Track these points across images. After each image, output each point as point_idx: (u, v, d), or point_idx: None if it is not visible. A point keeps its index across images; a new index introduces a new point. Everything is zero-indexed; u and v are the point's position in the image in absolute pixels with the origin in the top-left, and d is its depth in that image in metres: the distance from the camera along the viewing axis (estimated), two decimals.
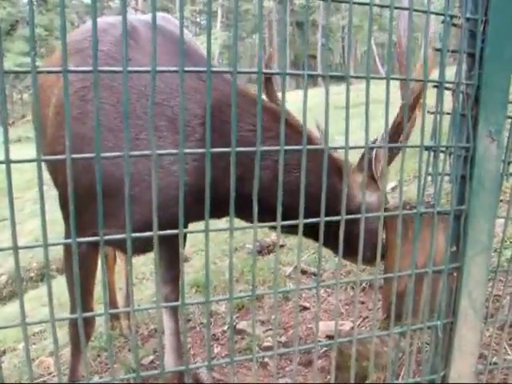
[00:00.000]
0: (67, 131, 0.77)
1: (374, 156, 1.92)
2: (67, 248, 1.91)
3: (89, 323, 2.05)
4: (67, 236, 1.93)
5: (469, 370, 1.17)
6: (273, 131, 1.69)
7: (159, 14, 2.30)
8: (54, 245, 0.77)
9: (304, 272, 3.45)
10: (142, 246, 1.62)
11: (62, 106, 1.75)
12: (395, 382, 1.13)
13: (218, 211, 1.20)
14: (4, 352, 3.35)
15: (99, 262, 2.01)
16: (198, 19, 41.11)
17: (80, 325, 0.83)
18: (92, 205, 1.52)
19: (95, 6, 0.77)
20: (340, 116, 1.00)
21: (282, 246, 4.02)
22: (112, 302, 3.31)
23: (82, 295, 1.91)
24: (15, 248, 0.77)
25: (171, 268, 2.48)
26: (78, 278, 0.84)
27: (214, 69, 0.79)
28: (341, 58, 37.97)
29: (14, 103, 28.23)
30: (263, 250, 4.02)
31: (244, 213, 1.47)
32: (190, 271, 4.28)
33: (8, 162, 0.72)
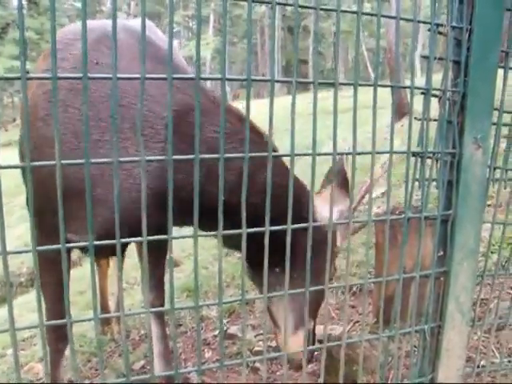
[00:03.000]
0: (56, 136, 0.78)
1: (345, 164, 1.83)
2: (39, 254, 1.88)
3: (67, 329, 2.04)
4: (37, 241, 1.91)
5: (456, 373, 1.18)
6: (239, 135, 1.69)
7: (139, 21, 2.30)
8: (43, 250, 0.77)
9: None
10: (109, 250, 1.58)
11: (33, 107, 1.73)
12: None
13: (180, 219, 1.16)
14: None
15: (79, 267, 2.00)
16: (190, 24, 41.15)
17: (69, 329, 0.83)
18: (56, 209, 1.50)
19: (85, 12, 0.77)
20: (328, 121, 1.01)
21: None
22: (104, 307, 3.30)
23: (56, 300, 1.91)
24: (4, 253, 0.77)
25: (154, 274, 2.46)
26: (68, 283, 0.84)
27: (204, 76, 0.80)
28: (332, 62, 38.17)
29: (5, 107, 28.04)
30: None
31: (203, 222, 1.48)
32: (181, 276, 4.26)
33: None
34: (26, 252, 0.77)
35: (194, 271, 0.92)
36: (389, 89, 1.10)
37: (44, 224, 1.84)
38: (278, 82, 0.88)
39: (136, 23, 2.01)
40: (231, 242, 1.69)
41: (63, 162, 0.75)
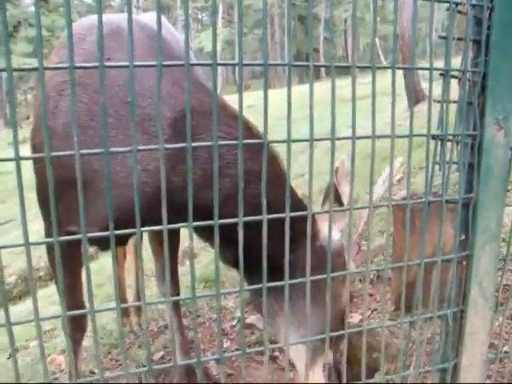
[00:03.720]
0: (74, 128, 0.78)
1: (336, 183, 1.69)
2: (51, 247, 1.91)
3: (84, 319, 2.09)
4: (47, 233, 1.94)
5: (480, 359, 1.17)
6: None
7: (149, 14, 2.30)
8: (65, 240, 0.78)
9: None
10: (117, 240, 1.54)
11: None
12: (406, 372, 1.13)
13: (176, 218, 1.14)
14: (16, 350, 3.38)
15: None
16: (199, 16, 41.06)
17: (93, 320, 0.84)
18: (65, 200, 1.51)
19: (100, 6, 0.77)
20: (343, 109, 0.98)
21: None
22: (121, 299, 3.33)
23: (72, 291, 1.93)
24: (27, 244, 0.77)
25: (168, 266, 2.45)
26: (90, 273, 0.85)
27: (220, 61, 0.79)
28: (343, 51, 37.78)
29: (19, 104, 28.36)
30: None
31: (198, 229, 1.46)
32: (198, 267, 4.29)
33: (18, 158, 0.72)
34: (47, 243, 0.77)
35: (215, 260, 0.92)
36: (402, 75, 1.07)
37: (49, 217, 1.86)
38: (294, 66, 0.86)
39: (147, 18, 2.00)
40: (227, 257, 1.71)
41: (82, 151, 0.75)
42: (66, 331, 1.63)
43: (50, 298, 4.58)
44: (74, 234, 0.85)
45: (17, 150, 0.73)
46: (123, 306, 0.87)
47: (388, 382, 1.37)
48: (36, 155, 0.69)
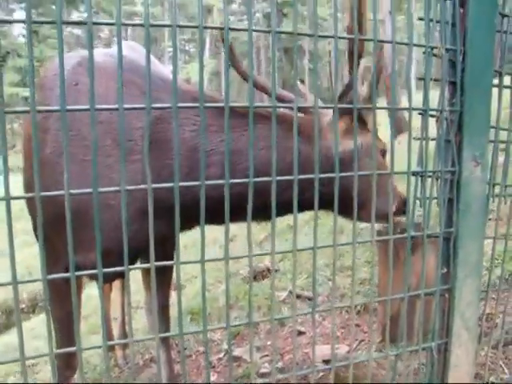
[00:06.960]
0: (66, 164, 0.79)
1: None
2: (49, 282, 1.88)
3: (74, 356, 2.04)
4: (48, 266, 1.90)
5: None
6: (214, 125, 1.68)
7: (126, 43, 2.33)
8: (53, 278, 0.78)
9: (298, 296, 3.45)
10: (111, 274, 1.47)
11: (27, 139, 1.85)
12: None
13: (185, 223, 1.13)
14: None
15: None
16: (186, 47, 41.72)
17: (80, 357, 0.84)
18: (62, 234, 1.49)
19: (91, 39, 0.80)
20: None
21: (276, 270, 4.02)
22: (107, 331, 3.27)
23: (67, 328, 1.88)
24: (15, 283, 0.78)
25: (158, 300, 2.41)
26: (78, 309, 0.85)
27: (207, 104, 0.82)
28: (328, 81, 38.55)
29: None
30: (257, 275, 4.02)
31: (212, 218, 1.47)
32: (183, 299, 4.20)
33: (8, 198, 0.73)
34: (36, 281, 0.78)
35: (202, 298, 0.93)
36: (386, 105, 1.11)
37: (49, 250, 1.84)
38: (279, 107, 0.90)
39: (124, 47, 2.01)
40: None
41: (71, 191, 0.77)
42: (54, 368, 1.59)
43: (32, 332, 4.47)
44: (75, 265, 0.85)
45: (7, 189, 0.75)
46: (110, 343, 0.87)
47: None
48: (26, 195, 0.71)
